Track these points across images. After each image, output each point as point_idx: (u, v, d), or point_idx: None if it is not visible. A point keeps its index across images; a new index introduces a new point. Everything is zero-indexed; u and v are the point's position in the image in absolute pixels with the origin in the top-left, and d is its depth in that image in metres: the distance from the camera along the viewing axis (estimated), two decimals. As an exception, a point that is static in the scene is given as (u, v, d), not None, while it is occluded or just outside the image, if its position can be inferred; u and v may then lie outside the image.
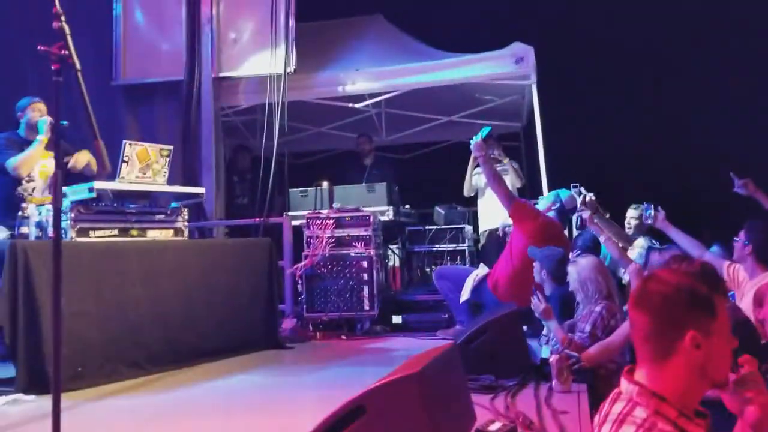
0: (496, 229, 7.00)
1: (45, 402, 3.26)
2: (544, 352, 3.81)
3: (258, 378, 4.01)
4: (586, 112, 7.95)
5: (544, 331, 4.17)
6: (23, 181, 4.37)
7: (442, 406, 1.97)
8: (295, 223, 5.91)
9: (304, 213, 5.86)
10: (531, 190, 6.75)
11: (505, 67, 6.31)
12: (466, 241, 6.37)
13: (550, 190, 5.88)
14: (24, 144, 4.42)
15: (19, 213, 3.76)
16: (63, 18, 1.95)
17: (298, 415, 3.10)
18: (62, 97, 2.00)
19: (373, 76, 6.50)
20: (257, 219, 5.98)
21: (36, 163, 4.38)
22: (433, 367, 1.97)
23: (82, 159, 4.43)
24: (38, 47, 1.93)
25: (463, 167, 7.61)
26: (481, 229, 7.20)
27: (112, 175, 4.06)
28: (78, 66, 1.99)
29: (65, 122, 4.12)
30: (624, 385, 1.49)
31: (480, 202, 7.28)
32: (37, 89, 4.57)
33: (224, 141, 6.90)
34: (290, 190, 6.40)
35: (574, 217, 5.00)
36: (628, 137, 8.06)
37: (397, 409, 1.85)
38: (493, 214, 6.69)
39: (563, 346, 3.62)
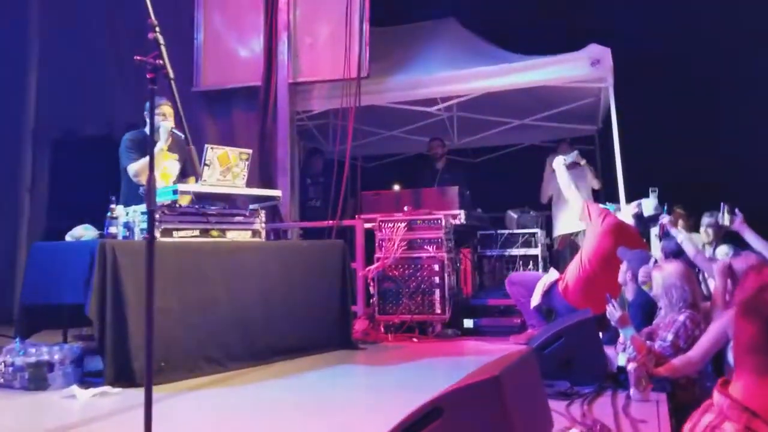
0: (570, 234, 6.89)
1: (131, 394, 3.43)
2: (621, 360, 3.71)
3: (330, 377, 4.07)
4: (663, 114, 7.70)
5: (621, 339, 4.06)
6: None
7: (521, 410, 1.95)
8: (367, 225, 5.97)
9: (376, 216, 5.90)
10: (607, 195, 6.59)
11: (580, 70, 6.18)
12: (539, 246, 6.27)
13: (627, 194, 5.73)
14: (145, 140, 4.62)
15: (108, 214, 3.95)
16: (157, 29, 2.05)
17: (372, 415, 3.13)
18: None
19: (445, 80, 6.50)
20: (330, 222, 6.08)
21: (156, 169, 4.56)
22: (511, 371, 1.96)
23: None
24: (134, 57, 2.04)
25: (535, 171, 7.53)
26: (554, 234, 7.10)
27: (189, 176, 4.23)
28: (172, 75, 2.09)
29: (180, 133, 4.34)
30: (716, 397, 1.44)
31: (554, 206, 7.18)
32: (132, 96, 4.80)
33: (298, 144, 7.04)
34: (362, 192, 6.47)
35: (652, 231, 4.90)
36: (707, 140, 7.74)
37: (475, 413, 1.85)
38: (566, 219, 6.59)
39: (642, 356, 3.52)
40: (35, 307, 4.06)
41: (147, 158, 4.33)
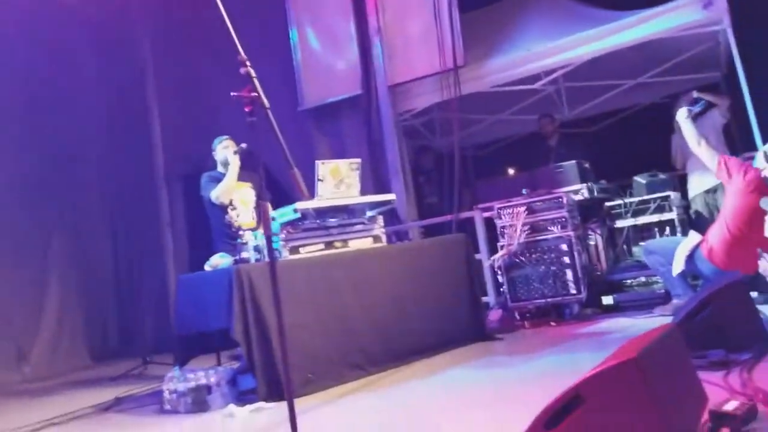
0: (709, 190, 6.41)
1: (284, 407, 3.60)
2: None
3: (472, 371, 4.06)
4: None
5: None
6: (228, 210, 5.07)
7: (667, 389, 1.85)
8: (486, 214, 5.89)
9: (494, 203, 5.81)
10: (742, 143, 6.09)
11: (692, 15, 5.74)
12: (674, 209, 5.89)
13: (763, 140, 5.25)
14: (221, 178, 5.11)
15: (238, 240, 4.18)
16: (248, 63, 2.15)
17: (515, 406, 3.08)
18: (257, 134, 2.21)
19: (545, 54, 6.29)
20: (448, 216, 6.07)
21: (233, 187, 5.07)
22: (651, 350, 1.86)
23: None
24: (231, 93, 2.16)
25: (660, 130, 7.07)
26: (690, 195, 6.64)
27: (312, 195, 4.37)
28: (267, 104, 2.18)
29: (244, 144, 4.75)
30: None
31: (688, 164, 6.71)
32: (231, 131, 5.19)
33: (406, 143, 7.08)
34: (477, 182, 6.40)
35: None
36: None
37: (617, 397, 1.78)
38: (701, 176, 6.14)
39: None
40: (188, 336, 4.37)
41: (223, 180, 5.01)
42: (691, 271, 4.73)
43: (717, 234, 4.47)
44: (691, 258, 4.63)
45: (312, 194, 4.28)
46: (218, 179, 5.10)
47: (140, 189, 7.75)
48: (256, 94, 2.15)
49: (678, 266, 4.66)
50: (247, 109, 2.16)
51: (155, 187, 7.64)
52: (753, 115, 5.40)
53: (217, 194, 5.05)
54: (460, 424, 2.96)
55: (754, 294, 4.33)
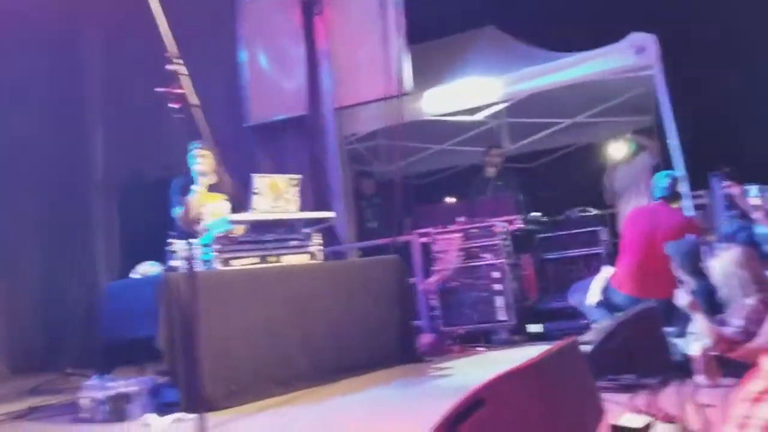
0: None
1: (205, 419, 3.56)
2: (690, 349, 3.58)
3: (397, 388, 4.11)
4: (718, 94, 7.39)
5: (690, 328, 3.92)
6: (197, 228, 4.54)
7: (562, 398, 1.93)
8: (423, 240, 6.00)
9: (431, 229, 5.92)
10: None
11: (625, 59, 6.06)
12: (601, 244, 6.13)
13: (692, 178, 5.55)
14: (190, 188, 4.72)
15: (167, 248, 4.14)
16: (176, 60, 2.17)
17: (429, 419, 3.13)
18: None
19: (489, 86, 6.50)
20: (387, 239, 6.14)
21: (195, 211, 4.61)
22: (550, 359, 1.95)
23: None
24: (155, 89, 2.17)
25: (595, 169, 7.37)
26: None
27: (246, 208, 4.38)
28: (196, 102, 2.21)
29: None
30: (766, 363, 1.41)
31: (621, 204, 6.99)
32: (172, 140, 4.93)
33: (350, 168, 7.16)
34: (416, 207, 6.51)
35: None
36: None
37: (514, 401, 1.85)
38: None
39: (714, 341, 3.39)
40: (114, 344, 4.28)
41: (183, 207, 4.48)
42: (608, 303, 4.91)
43: (622, 264, 4.69)
44: (605, 290, 4.81)
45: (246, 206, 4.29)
46: (185, 189, 4.68)
47: (75, 197, 7.54)
48: (183, 91, 2.17)
49: (593, 297, 4.82)
50: (174, 106, 2.18)
51: (91, 195, 7.46)
52: (679, 155, 5.69)
53: (177, 218, 4.67)
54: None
55: (672, 328, 4.54)
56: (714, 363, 3.05)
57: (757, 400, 1.38)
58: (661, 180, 4.80)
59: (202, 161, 4.66)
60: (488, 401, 1.88)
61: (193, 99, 2.20)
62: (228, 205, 4.79)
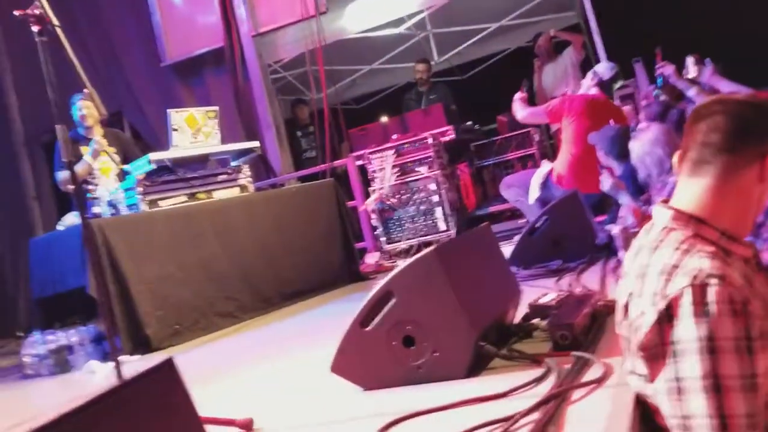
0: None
1: (149, 360, 3.57)
2: (613, 229, 3.69)
3: (336, 306, 4.18)
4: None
5: (621, 212, 4.03)
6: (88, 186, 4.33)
7: (471, 280, 1.97)
8: (359, 162, 5.96)
9: (366, 151, 5.88)
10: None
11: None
12: (533, 144, 6.19)
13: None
14: (78, 142, 4.56)
15: (89, 195, 4.02)
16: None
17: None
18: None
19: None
20: (322, 166, 6.09)
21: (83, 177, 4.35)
22: (453, 244, 1.98)
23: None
24: (14, 12, 2.04)
25: (523, 74, 7.36)
26: (553, 129, 6.97)
27: (167, 145, 4.26)
28: (56, 22, 2.09)
29: (105, 113, 4.17)
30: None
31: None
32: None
33: (281, 98, 7.01)
34: (349, 131, 6.45)
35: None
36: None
37: (421, 288, 1.88)
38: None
39: (638, 219, 3.49)
40: (46, 300, 4.20)
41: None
42: (546, 198, 5.00)
43: (562, 159, 4.76)
44: (545, 185, 4.90)
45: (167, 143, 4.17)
46: (73, 146, 4.36)
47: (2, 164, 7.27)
48: (43, 11, 2.04)
49: (533, 194, 4.91)
50: (35, 29, 2.05)
51: (14, 155, 7.18)
52: (600, 46, 5.72)
53: (60, 181, 4.47)
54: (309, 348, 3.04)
55: (605, 215, 4.66)
56: (632, 237, 3.14)
57: (656, 248, 1.39)
58: (605, 70, 4.81)
59: (87, 113, 4.49)
60: (396, 292, 1.91)
61: (54, 20, 2.07)
62: (118, 158, 4.62)
